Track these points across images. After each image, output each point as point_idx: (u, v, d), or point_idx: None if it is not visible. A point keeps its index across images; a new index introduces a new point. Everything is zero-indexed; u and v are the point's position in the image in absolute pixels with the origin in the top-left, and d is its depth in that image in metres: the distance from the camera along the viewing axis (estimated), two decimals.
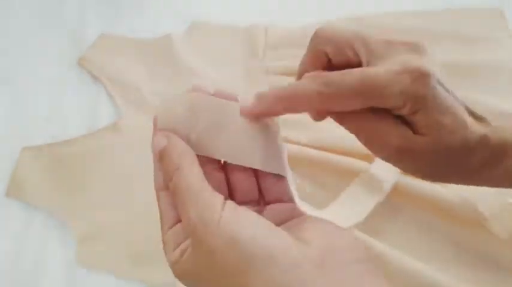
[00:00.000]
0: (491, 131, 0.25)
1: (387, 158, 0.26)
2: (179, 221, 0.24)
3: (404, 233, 0.47)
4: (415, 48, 0.25)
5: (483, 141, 0.25)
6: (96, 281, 0.49)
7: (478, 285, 0.43)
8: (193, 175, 0.23)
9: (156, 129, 0.25)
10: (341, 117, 0.26)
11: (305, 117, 0.28)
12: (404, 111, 0.24)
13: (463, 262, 0.45)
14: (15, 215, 0.53)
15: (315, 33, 0.27)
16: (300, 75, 0.28)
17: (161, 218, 0.25)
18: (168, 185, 0.24)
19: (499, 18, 0.63)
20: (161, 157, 0.24)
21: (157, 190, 0.25)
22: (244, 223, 0.21)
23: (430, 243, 0.46)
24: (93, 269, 0.49)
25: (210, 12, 0.68)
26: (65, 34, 0.68)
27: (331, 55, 0.26)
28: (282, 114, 0.25)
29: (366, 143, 0.26)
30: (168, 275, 0.49)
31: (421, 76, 0.24)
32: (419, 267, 0.42)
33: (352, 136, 0.26)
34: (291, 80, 0.62)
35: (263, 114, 0.25)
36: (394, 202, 0.47)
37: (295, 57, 0.62)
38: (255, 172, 0.25)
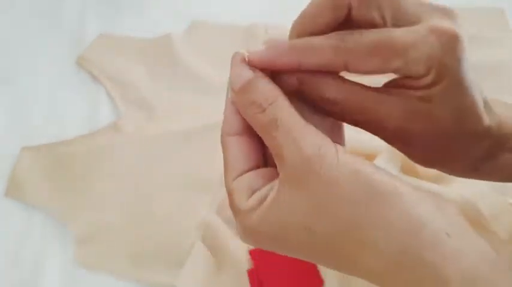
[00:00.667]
0: (495, 121, 0.24)
1: (390, 136, 0.24)
2: (251, 168, 0.23)
3: None
4: (447, 13, 0.22)
5: (488, 132, 0.23)
6: (96, 281, 0.49)
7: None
8: (293, 110, 0.21)
9: (235, 63, 0.23)
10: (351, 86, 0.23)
11: None
12: (425, 81, 0.21)
13: None
14: (15, 215, 0.53)
15: None
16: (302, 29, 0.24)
17: (226, 164, 0.23)
18: (253, 123, 0.22)
19: (500, 18, 0.63)
20: (246, 90, 0.22)
21: (227, 135, 0.23)
22: (359, 160, 0.20)
23: None
24: (93, 269, 0.49)
25: (210, 12, 0.68)
26: (65, 34, 0.68)
27: (355, 8, 0.22)
28: (292, 69, 0.23)
29: (367, 122, 0.23)
30: (168, 275, 0.49)
31: (452, 40, 0.21)
32: None
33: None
34: None
35: (272, 65, 0.23)
36: None
37: None
38: None
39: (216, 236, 0.48)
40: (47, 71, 0.65)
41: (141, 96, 0.61)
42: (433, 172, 0.48)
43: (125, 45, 0.66)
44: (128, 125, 0.58)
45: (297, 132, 0.20)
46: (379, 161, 0.48)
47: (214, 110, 0.58)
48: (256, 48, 0.23)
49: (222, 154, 0.24)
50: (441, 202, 0.20)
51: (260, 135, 0.22)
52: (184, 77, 0.62)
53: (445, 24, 0.21)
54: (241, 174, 0.22)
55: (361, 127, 0.24)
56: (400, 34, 0.21)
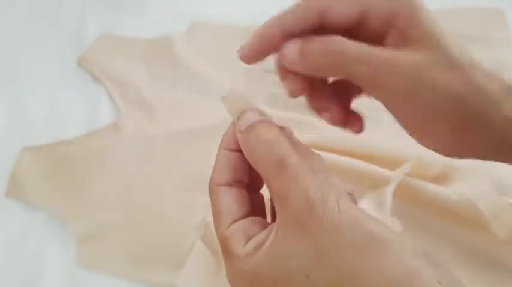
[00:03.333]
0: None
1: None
2: (244, 216, 0.23)
3: (404, 233, 0.47)
4: None
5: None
6: (96, 281, 0.49)
7: (478, 285, 0.43)
8: (298, 154, 0.22)
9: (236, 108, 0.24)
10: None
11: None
12: (398, 25, 0.23)
13: (462, 262, 0.45)
14: (15, 215, 0.53)
15: None
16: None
17: (218, 213, 0.23)
18: (259, 163, 0.22)
19: (499, 18, 0.63)
20: (252, 130, 0.23)
21: (217, 184, 0.24)
22: (357, 207, 0.20)
23: (429, 243, 0.46)
24: (93, 269, 0.49)
25: (210, 12, 0.68)
26: (65, 34, 0.68)
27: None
28: (276, 43, 0.25)
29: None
30: (168, 275, 0.49)
31: None
32: None
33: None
34: None
35: (261, 47, 0.26)
36: (394, 202, 0.47)
37: None
38: None
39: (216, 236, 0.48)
40: (47, 71, 0.65)
41: (141, 96, 0.61)
42: (433, 173, 0.48)
43: (125, 46, 0.66)
44: (128, 125, 0.58)
45: (303, 176, 0.20)
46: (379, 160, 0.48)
47: (214, 110, 0.58)
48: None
49: None
50: (431, 253, 0.21)
51: (264, 176, 0.22)
52: (184, 77, 0.62)
53: None
54: (235, 221, 0.23)
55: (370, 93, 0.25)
56: None
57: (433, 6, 0.71)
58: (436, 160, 0.48)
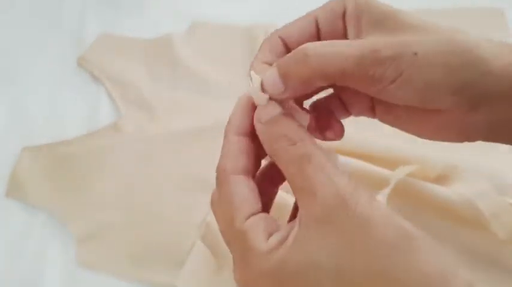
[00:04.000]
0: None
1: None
2: (261, 211, 0.22)
3: None
4: None
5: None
6: (96, 281, 0.49)
7: (478, 285, 0.43)
8: (323, 151, 0.21)
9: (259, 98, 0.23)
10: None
11: None
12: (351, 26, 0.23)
13: (462, 262, 0.45)
14: (15, 215, 0.53)
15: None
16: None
17: (234, 204, 0.21)
18: (280, 155, 0.21)
19: (499, 18, 0.63)
20: (275, 123, 0.22)
21: (232, 173, 0.22)
22: (380, 205, 0.20)
23: None
24: (93, 269, 0.49)
25: (210, 12, 0.68)
26: (65, 34, 0.68)
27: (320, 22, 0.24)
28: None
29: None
30: (168, 275, 0.49)
31: None
32: None
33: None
34: None
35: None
36: (394, 202, 0.47)
37: None
38: None
39: (216, 236, 0.48)
40: (47, 71, 0.65)
41: (141, 96, 0.61)
42: (433, 173, 0.48)
43: (125, 46, 0.66)
44: (128, 125, 0.58)
45: (330, 169, 0.20)
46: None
47: (214, 110, 0.58)
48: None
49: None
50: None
51: (285, 169, 0.21)
52: (184, 77, 0.62)
53: None
54: (253, 214, 0.21)
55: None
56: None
57: (434, 6, 0.71)
58: (437, 160, 0.48)
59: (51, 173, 0.55)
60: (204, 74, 0.62)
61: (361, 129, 0.48)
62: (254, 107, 0.23)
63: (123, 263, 0.49)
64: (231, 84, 0.61)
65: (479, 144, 0.24)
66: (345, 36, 0.24)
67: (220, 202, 0.22)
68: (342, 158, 0.49)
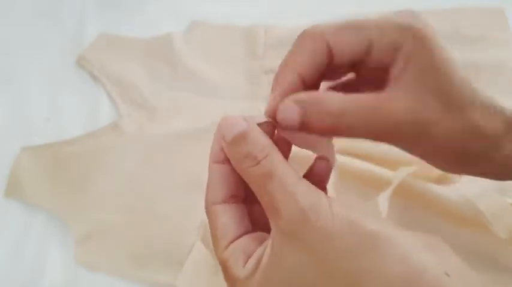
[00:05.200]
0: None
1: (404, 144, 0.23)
2: (242, 234, 0.22)
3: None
4: (408, 12, 0.24)
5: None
6: (96, 281, 0.49)
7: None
8: (287, 163, 0.21)
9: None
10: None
11: None
12: (406, 49, 0.22)
13: (462, 261, 0.45)
14: (15, 215, 0.53)
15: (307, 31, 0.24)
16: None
17: (215, 234, 0.23)
18: (246, 176, 0.21)
19: (499, 18, 0.63)
20: (239, 142, 0.21)
21: (212, 204, 0.23)
22: (352, 209, 0.20)
23: None
24: (93, 269, 0.49)
25: (210, 12, 0.68)
26: (65, 34, 0.68)
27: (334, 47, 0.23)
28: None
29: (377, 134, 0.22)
30: (168, 275, 0.49)
31: (408, 26, 0.22)
32: None
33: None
34: None
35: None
36: (394, 202, 0.47)
37: None
38: None
39: None
40: (47, 70, 0.65)
41: (141, 96, 0.61)
42: (434, 173, 0.48)
43: (125, 45, 0.66)
44: (128, 124, 0.58)
45: (292, 186, 0.20)
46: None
47: (214, 109, 0.58)
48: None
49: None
50: (430, 240, 0.20)
51: (253, 189, 0.21)
52: (184, 77, 0.62)
53: (402, 18, 0.23)
54: (232, 241, 0.22)
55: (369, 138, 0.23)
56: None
57: (434, 6, 0.71)
58: None
59: (50, 173, 0.55)
60: (203, 73, 0.62)
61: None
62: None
63: (122, 263, 0.49)
64: (231, 84, 0.61)
65: None
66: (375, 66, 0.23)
67: (210, 233, 0.23)
68: (341, 158, 0.49)
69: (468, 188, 0.46)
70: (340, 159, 0.50)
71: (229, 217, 0.22)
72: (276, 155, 0.21)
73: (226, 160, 0.23)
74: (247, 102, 0.58)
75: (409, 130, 0.22)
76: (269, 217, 0.21)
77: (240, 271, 0.21)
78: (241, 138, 0.21)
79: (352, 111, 0.21)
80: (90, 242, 0.51)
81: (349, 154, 0.50)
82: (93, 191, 0.54)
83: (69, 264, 0.50)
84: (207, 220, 0.52)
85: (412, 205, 0.48)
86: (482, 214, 0.44)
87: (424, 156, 0.24)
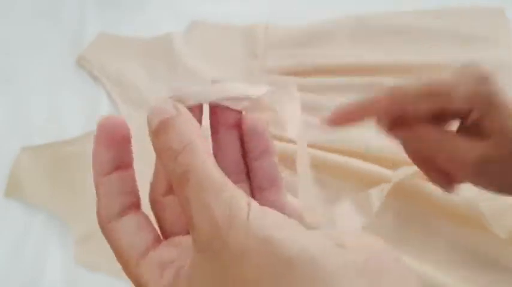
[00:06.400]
0: None
1: (465, 176, 0.29)
2: (156, 241, 0.20)
3: (404, 233, 0.47)
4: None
5: None
6: (96, 281, 0.49)
7: (477, 285, 0.43)
8: (208, 157, 0.17)
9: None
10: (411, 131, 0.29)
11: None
12: (472, 117, 0.26)
13: (462, 262, 0.45)
14: (15, 215, 0.53)
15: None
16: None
17: (121, 252, 0.20)
18: (168, 175, 0.18)
19: (500, 18, 0.63)
20: (162, 131, 0.18)
21: (109, 220, 0.20)
22: (275, 223, 0.16)
23: (430, 243, 0.46)
24: (93, 269, 0.49)
25: (210, 12, 0.68)
26: (65, 34, 0.68)
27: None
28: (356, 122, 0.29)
29: (444, 160, 0.28)
30: None
31: (483, 76, 0.27)
32: (418, 266, 0.42)
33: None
34: (291, 79, 0.62)
35: (342, 123, 0.30)
36: (394, 202, 0.47)
37: (295, 57, 0.62)
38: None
39: None
40: (47, 70, 0.65)
41: (140, 95, 0.61)
42: None
43: (125, 45, 0.66)
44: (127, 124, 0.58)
45: (208, 191, 0.17)
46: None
47: None
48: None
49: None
50: (367, 261, 0.17)
51: (174, 189, 0.18)
52: (184, 77, 0.62)
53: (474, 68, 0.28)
54: (143, 255, 0.19)
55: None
56: (442, 78, 0.27)
57: (434, 5, 0.71)
58: None
59: (50, 172, 0.55)
60: (203, 73, 0.62)
61: (363, 130, 0.48)
62: (119, 135, 0.21)
63: None
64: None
65: None
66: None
67: (113, 253, 0.21)
68: (331, 156, 0.49)
69: (469, 189, 0.46)
70: (336, 158, 0.50)
71: (132, 230, 0.20)
72: (197, 146, 0.18)
73: (114, 168, 0.21)
74: None
75: (474, 170, 0.27)
76: (188, 225, 0.17)
77: (157, 283, 0.18)
78: (164, 126, 0.18)
79: None
80: (90, 242, 0.51)
81: (350, 154, 0.50)
82: (93, 190, 0.54)
83: (69, 264, 0.50)
84: None
85: (411, 205, 0.48)
86: (483, 214, 0.44)
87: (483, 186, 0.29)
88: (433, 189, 0.46)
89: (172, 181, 0.18)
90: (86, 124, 0.59)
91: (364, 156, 0.50)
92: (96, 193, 0.20)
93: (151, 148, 0.19)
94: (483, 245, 0.45)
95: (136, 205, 0.21)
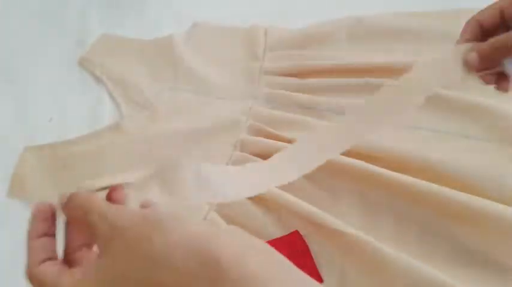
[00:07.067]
0: None
1: None
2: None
3: (400, 232, 0.47)
4: None
5: None
6: None
7: (477, 285, 0.43)
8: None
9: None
10: None
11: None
12: None
13: (462, 261, 0.45)
14: (17, 215, 0.54)
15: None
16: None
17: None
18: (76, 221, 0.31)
19: None
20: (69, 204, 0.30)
21: (36, 266, 0.29)
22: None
23: (428, 242, 0.46)
24: None
25: (210, 13, 0.69)
26: (67, 35, 0.68)
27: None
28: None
29: None
30: None
31: None
32: (416, 265, 0.42)
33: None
34: (291, 80, 0.62)
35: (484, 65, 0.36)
36: (392, 201, 0.48)
37: (294, 59, 0.62)
38: None
39: None
40: (49, 71, 0.65)
41: (142, 96, 0.61)
42: (434, 174, 0.48)
43: (127, 46, 0.66)
44: (129, 125, 0.59)
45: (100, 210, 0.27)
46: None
47: (215, 110, 0.58)
48: None
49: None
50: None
51: (81, 228, 0.30)
52: (185, 77, 0.62)
53: None
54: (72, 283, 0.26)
55: None
56: None
57: (435, 6, 0.71)
58: (437, 161, 0.48)
59: (53, 172, 0.55)
60: (204, 74, 0.62)
61: (363, 130, 0.48)
62: (50, 212, 0.31)
63: None
64: (231, 84, 0.61)
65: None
66: None
67: None
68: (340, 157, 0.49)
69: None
70: (337, 158, 0.50)
71: (58, 266, 0.28)
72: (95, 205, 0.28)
73: (43, 233, 0.31)
74: (247, 103, 0.59)
75: None
76: (94, 240, 0.27)
77: (69, 280, 0.26)
78: (70, 200, 0.31)
79: None
80: None
81: (350, 155, 0.50)
82: (94, 190, 0.54)
83: None
84: (207, 219, 0.52)
85: (410, 204, 0.48)
86: (479, 212, 0.44)
87: None
88: (432, 188, 0.46)
89: (80, 223, 0.29)
90: (88, 124, 0.60)
91: (365, 156, 0.50)
92: (28, 251, 0.30)
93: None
94: (482, 245, 0.45)
95: (55, 254, 0.30)
